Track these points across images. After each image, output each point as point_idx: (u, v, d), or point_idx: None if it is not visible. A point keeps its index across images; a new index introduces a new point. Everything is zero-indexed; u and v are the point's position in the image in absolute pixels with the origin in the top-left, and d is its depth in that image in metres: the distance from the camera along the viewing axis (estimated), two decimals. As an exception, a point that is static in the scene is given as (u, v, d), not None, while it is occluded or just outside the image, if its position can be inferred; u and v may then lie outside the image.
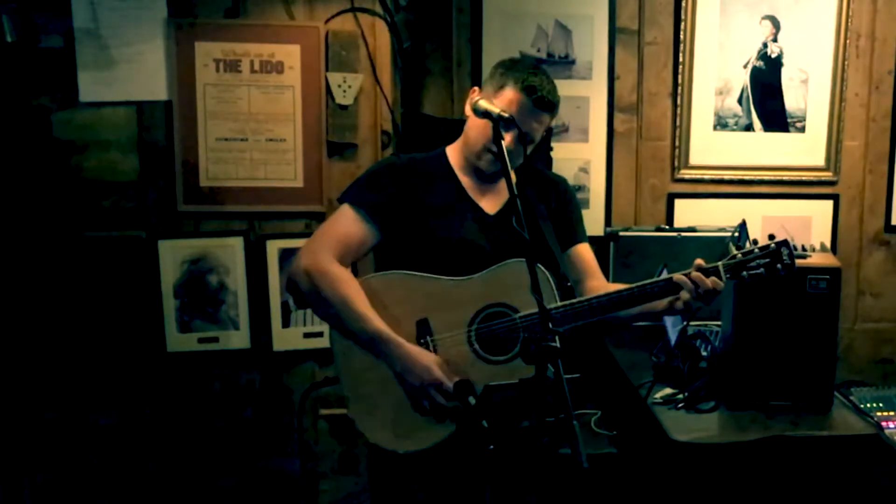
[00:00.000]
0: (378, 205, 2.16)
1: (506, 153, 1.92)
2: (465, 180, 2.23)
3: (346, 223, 2.17)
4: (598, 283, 2.32)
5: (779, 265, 2.06)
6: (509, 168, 1.90)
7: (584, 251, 2.35)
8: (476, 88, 2.22)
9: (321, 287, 2.10)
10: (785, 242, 2.07)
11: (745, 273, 2.07)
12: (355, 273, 2.24)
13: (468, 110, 2.16)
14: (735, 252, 2.09)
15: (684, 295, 2.06)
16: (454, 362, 2.08)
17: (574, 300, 2.09)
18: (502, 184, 2.23)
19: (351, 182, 2.26)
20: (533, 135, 2.15)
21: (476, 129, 2.16)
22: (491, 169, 2.18)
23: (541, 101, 2.12)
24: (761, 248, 2.07)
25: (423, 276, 2.11)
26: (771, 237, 2.10)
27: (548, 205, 2.30)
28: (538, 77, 2.13)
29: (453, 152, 2.27)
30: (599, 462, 2.60)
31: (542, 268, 2.06)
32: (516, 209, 1.87)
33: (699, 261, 2.09)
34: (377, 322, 2.08)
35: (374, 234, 2.18)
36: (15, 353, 3.06)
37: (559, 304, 2.08)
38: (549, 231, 2.25)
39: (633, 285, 2.09)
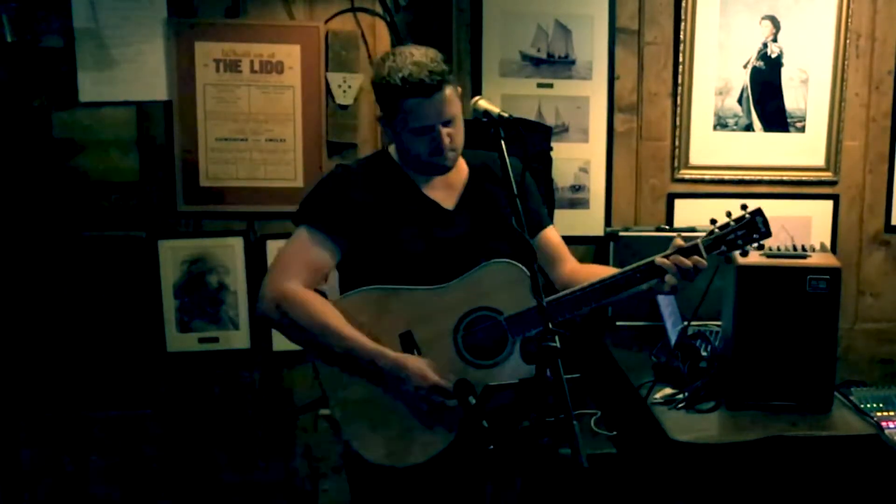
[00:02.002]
0: (334, 221, 2.09)
1: (506, 154, 1.91)
2: (416, 177, 2.16)
3: (305, 246, 2.09)
4: (572, 266, 2.29)
5: (755, 234, 2.07)
6: (510, 171, 1.89)
7: (552, 235, 2.31)
8: (378, 115, 2.14)
9: (293, 314, 2.03)
10: (759, 211, 2.08)
11: (723, 247, 2.08)
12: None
13: (388, 131, 2.12)
14: (712, 227, 2.09)
15: (669, 279, 2.05)
16: (444, 371, 2.04)
17: (559, 294, 2.06)
18: (454, 174, 2.17)
19: (301, 201, 2.18)
20: (447, 115, 2.05)
21: (405, 144, 2.09)
22: (450, 163, 2.11)
23: (429, 88, 2.00)
24: (736, 220, 2.07)
25: (399, 288, 2.06)
26: (743, 207, 2.10)
27: (506, 191, 2.19)
28: (409, 72, 2.00)
29: (396, 152, 2.19)
30: (599, 462, 2.60)
31: (521, 267, 2.03)
32: (516, 209, 1.86)
33: (678, 241, 2.08)
34: (359, 338, 2.01)
35: (335, 252, 2.10)
36: (15, 353, 3.06)
37: (545, 299, 2.05)
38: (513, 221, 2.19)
39: (616, 273, 2.07)
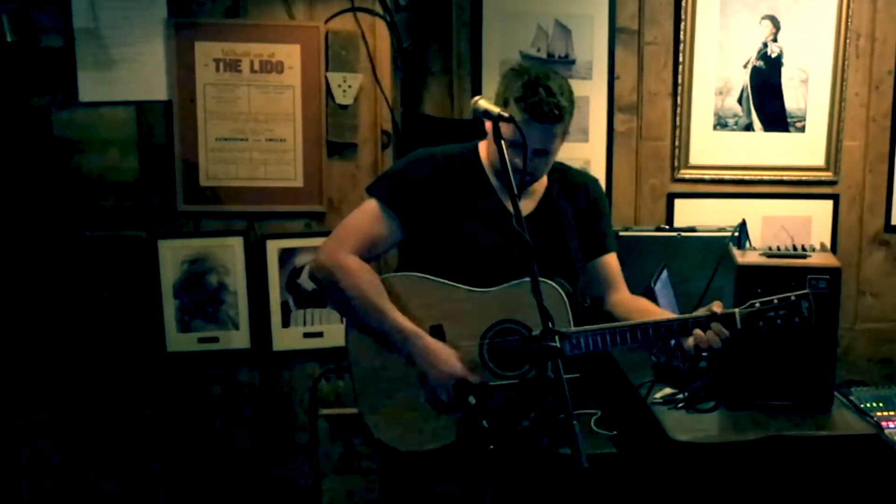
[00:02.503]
0: (405, 203, 2.15)
1: (506, 154, 1.92)
2: (495, 181, 2.21)
3: (371, 219, 2.16)
4: (621, 297, 2.31)
5: (797, 318, 2.01)
6: (510, 172, 1.90)
7: (611, 262, 2.32)
8: (477, 98, 2.13)
9: (339, 280, 2.11)
10: (806, 295, 2.01)
11: (761, 322, 2.02)
12: (379, 270, 2.24)
13: (487, 125, 2.13)
14: (753, 301, 2.04)
15: (690, 342, 2.04)
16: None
17: (586, 328, 2.06)
18: (534, 185, 2.23)
19: (380, 174, 2.26)
20: (547, 147, 2.10)
21: (499, 150, 2.08)
22: (522, 186, 2.13)
23: (545, 115, 2.04)
24: (780, 300, 2.02)
25: (443, 282, 2.11)
26: (793, 284, 2.06)
27: (575, 209, 2.26)
28: (537, 90, 2.04)
29: (484, 150, 2.24)
30: (599, 462, 2.60)
31: (559, 290, 2.05)
32: (517, 211, 1.87)
33: (715, 306, 2.05)
34: (396, 315, 2.08)
35: (398, 232, 2.17)
36: (15, 353, 3.06)
37: (571, 330, 2.05)
38: (573, 240, 2.22)
39: (649, 321, 2.07)
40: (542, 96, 2.04)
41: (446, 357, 2.05)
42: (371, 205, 2.17)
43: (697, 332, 2.03)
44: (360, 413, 2.15)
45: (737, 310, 2.03)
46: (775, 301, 2.02)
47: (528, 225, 2.13)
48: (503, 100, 2.10)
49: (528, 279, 2.04)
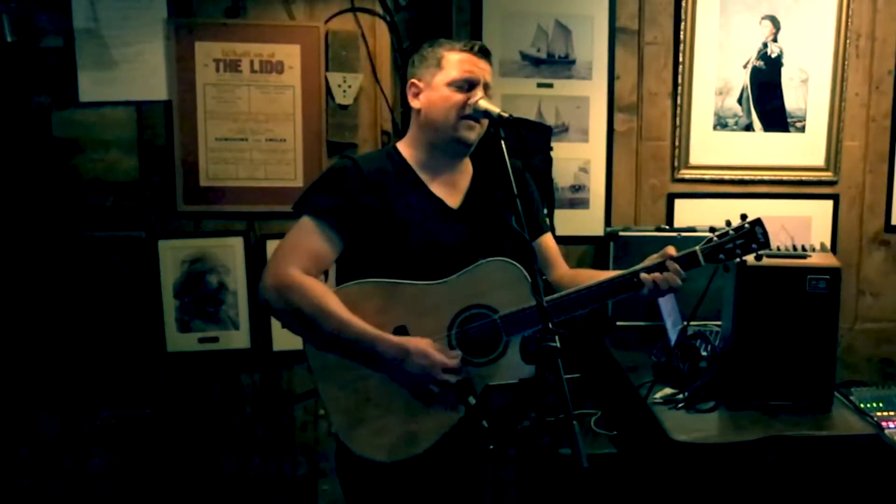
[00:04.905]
0: (339, 212, 2.08)
1: (507, 155, 1.91)
2: (423, 175, 2.17)
3: (308, 235, 2.08)
4: (563, 272, 2.33)
5: (754, 244, 2.09)
6: (510, 171, 1.90)
7: (548, 241, 2.34)
8: (413, 81, 2.16)
9: (292, 299, 2.02)
10: (758, 221, 2.09)
11: (721, 255, 2.09)
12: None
13: (416, 103, 2.15)
14: (711, 236, 2.10)
15: (660, 282, 2.07)
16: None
17: (554, 296, 2.07)
18: (460, 175, 2.20)
19: (305, 190, 2.16)
20: (486, 77, 2.13)
21: (438, 102, 2.11)
22: (473, 138, 2.12)
23: (480, 49, 2.13)
24: (735, 230, 2.09)
25: (396, 282, 2.06)
26: (743, 217, 2.11)
27: (507, 192, 2.21)
28: (465, 40, 2.18)
29: (406, 147, 2.20)
30: (599, 462, 2.60)
31: (518, 265, 2.05)
32: (516, 209, 1.86)
33: (671, 249, 2.09)
34: (359, 323, 2.01)
35: (338, 243, 2.09)
36: (15, 353, 3.06)
37: (547, 298, 2.04)
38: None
39: (611, 277, 2.09)
40: (466, 40, 2.16)
41: (422, 348, 2.00)
42: (305, 221, 2.09)
43: (655, 274, 2.07)
44: (336, 435, 2.07)
45: (697, 247, 2.09)
46: (731, 232, 2.09)
47: (461, 218, 2.15)
48: (436, 57, 2.12)
49: (482, 263, 2.07)
